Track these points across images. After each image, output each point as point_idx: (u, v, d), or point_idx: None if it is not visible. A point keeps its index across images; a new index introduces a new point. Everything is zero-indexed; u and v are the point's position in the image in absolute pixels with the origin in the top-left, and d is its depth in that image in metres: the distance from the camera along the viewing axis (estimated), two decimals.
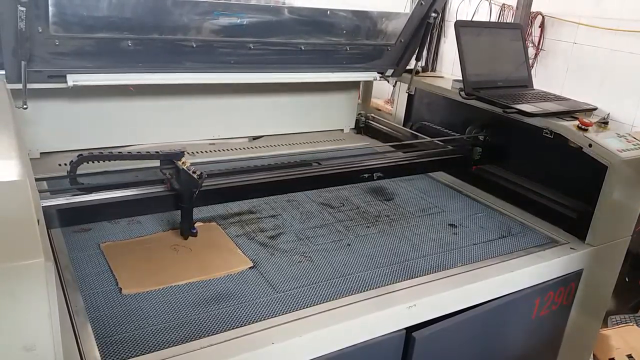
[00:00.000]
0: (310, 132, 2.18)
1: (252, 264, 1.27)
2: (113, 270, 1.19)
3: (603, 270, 1.57)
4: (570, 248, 1.46)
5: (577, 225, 1.52)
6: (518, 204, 1.70)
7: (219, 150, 1.92)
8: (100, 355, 0.92)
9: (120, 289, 1.13)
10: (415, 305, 1.14)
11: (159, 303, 1.10)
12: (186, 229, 1.34)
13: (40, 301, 0.63)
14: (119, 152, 1.48)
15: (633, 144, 1.51)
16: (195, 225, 1.38)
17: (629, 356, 2.05)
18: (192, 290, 1.15)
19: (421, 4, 1.88)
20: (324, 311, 1.08)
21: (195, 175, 1.30)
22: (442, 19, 4.19)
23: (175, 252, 1.29)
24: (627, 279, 2.66)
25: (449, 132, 2.00)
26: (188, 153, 1.71)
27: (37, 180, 1.17)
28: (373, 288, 1.19)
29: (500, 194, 1.76)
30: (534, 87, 1.95)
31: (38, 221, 0.70)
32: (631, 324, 2.35)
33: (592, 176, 1.48)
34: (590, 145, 1.48)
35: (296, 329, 1.02)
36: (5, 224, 0.68)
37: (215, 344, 0.96)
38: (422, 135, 2.03)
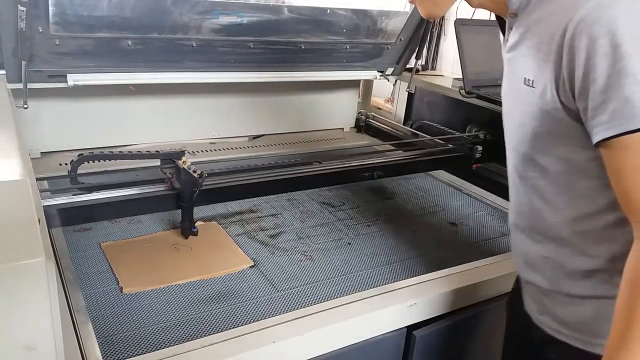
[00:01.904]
0: (310, 131, 2.18)
1: (252, 263, 1.27)
2: (114, 269, 1.19)
3: None
4: None
5: None
6: None
7: (219, 150, 1.92)
8: (102, 354, 0.92)
9: (121, 288, 1.13)
10: (416, 303, 1.14)
11: (160, 302, 1.10)
12: (187, 228, 1.34)
13: (42, 300, 0.63)
14: (119, 152, 1.48)
15: None
16: (196, 224, 1.38)
17: None
18: (193, 289, 1.15)
19: None
20: (324, 310, 1.08)
21: (195, 175, 1.30)
22: (442, 18, 4.18)
23: (176, 251, 1.30)
24: None
25: (450, 130, 2.00)
26: (188, 152, 1.71)
27: (37, 179, 1.17)
28: (374, 286, 1.19)
29: (501, 192, 1.76)
30: None
31: (39, 220, 0.70)
32: None
33: None
34: None
35: (297, 328, 1.02)
36: (6, 224, 0.68)
37: (217, 343, 0.96)
38: (423, 134, 2.03)
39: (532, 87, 0.84)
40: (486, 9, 0.94)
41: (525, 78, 0.85)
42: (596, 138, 0.75)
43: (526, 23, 0.86)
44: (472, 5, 0.92)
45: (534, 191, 0.91)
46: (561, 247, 0.90)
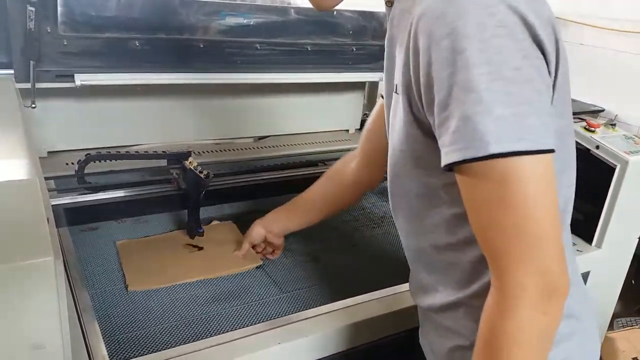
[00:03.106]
0: (315, 133, 2.18)
1: (261, 262, 1.27)
2: (123, 267, 1.20)
3: (609, 273, 1.56)
4: (577, 250, 1.46)
5: (583, 228, 1.52)
6: None
7: (224, 151, 1.92)
8: (108, 354, 0.93)
9: (127, 286, 1.13)
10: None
11: (166, 301, 1.11)
12: (193, 229, 1.34)
13: (50, 299, 0.64)
14: (126, 152, 1.48)
15: None
16: (212, 223, 1.38)
17: (635, 359, 2.03)
18: (198, 289, 1.16)
19: None
20: (329, 311, 1.08)
21: (202, 175, 1.30)
22: None
23: (181, 251, 1.30)
24: (633, 282, 2.65)
25: None
26: (194, 153, 1.71)
27: (45, 179, 1.17)
28: (378, 288, 1.19)
29: None
30: None
31: (48, 220, 0.70)
32: (637, 326, 2.34)
33: (599, 178, 1.47)
34: (597, 147, 1.48)
35: (302, 329, 1.02)
36: (15, 223, 0.69)
37: (222, 343, 0.96)
38: None
39: (397, 93, 0.69)
40: None
41: (395, 83, 0.71)
42: (443, 161, 0.61)
43: (397, 14, 0.71)
44: None
45: (401, 211, 0.82)
46: (431, 274, 0.82)
